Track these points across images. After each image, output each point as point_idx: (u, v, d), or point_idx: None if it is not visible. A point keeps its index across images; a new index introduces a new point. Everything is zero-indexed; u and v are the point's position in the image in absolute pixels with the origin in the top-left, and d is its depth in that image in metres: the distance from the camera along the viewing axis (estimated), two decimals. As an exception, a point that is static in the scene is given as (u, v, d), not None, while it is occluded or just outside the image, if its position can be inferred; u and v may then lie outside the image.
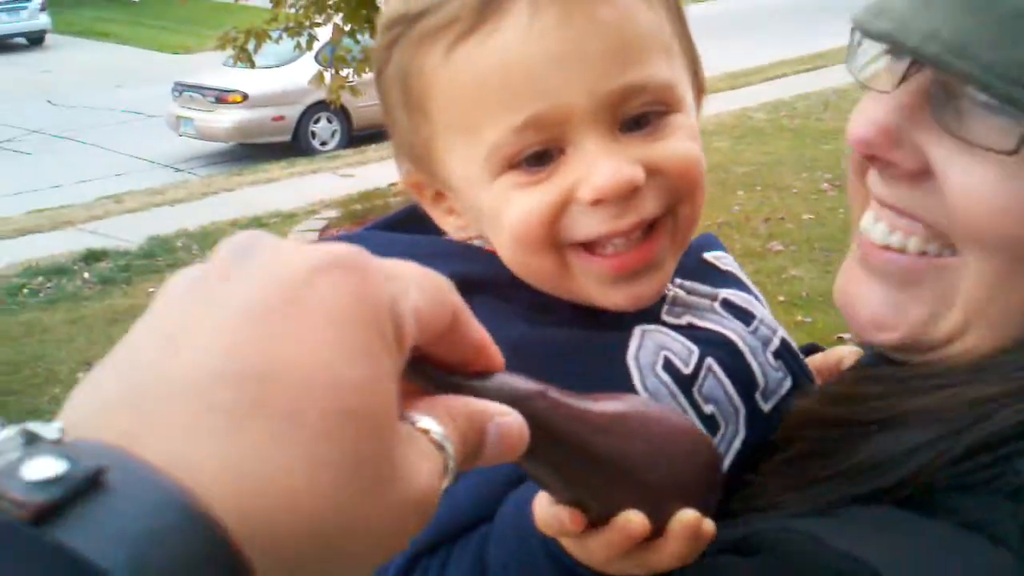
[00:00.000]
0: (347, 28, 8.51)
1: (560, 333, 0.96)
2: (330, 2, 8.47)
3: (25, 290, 8.73)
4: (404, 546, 0.50)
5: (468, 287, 0.78)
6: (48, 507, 0.38)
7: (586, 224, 0.93)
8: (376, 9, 8.03)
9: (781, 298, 7.26)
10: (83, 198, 12.03)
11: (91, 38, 29.67)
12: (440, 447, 0.52)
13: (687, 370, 0.96)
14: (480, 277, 0.96)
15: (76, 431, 0.43)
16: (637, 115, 0.93)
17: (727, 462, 0.95)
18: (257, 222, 9.89)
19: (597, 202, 0.91)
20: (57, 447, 0.41)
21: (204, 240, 9.44)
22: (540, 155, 0.92)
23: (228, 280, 0.48)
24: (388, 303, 0.50)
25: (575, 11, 0.90)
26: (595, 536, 0.74)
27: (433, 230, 1.07)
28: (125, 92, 19.37)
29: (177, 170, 14.08)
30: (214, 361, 0.44)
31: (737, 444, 0.97)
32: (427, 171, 1.02)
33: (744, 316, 1.05)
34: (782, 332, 1.08)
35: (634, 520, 0.72)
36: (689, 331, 1.00)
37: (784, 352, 1.05)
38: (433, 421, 0.53)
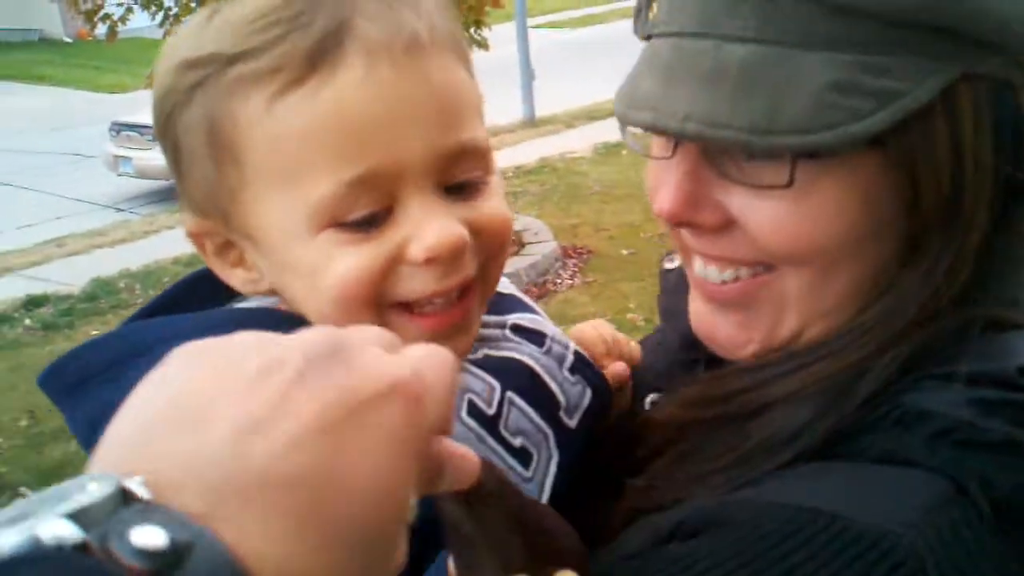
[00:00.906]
0: None
1: None
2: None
3: (-36, 340, 8.59)
4: None
5: None
6: (150, 574, 0.43)
7: (412, 284, 0.93)
8: None
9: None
10: (22, 243, 11.86)
11: (27, 82, 29.27)
12: (412, 508, 0.58)
13: (491, 410, 0.97)
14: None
15: (158, 491, 0.47)
16: (461, 181, 0.94)
17: (548, 485, 0.98)
18: (199, 260, 9.79)
19: (429, 261, 0.91)
20: (156, 514, 0.46)
21: (147, 279, 9.35)
22: (368, 217, 0.91)
23: (305, 381, 0.52)
24: (426, 428, 0.57)
25: (408, 69, 0.89)
26: None
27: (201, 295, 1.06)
28: (62, 134, 19.07)
29: (119, 210, 13.91)
30: (290, 465, 0.49)
31: (553, 467, 1.00)
32: (222, 220, 0.98)
33: (536, 337, 1.08)
34: (573, 346, 1.11)
35: None
36: (486, 363, 1.01)
37: (579, 365, 1.09)
38: None
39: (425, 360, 0.60)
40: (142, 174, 14.43)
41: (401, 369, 0.56)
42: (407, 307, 0.95)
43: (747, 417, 0.94)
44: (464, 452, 0.65)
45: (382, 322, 0.92)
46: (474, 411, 0.96)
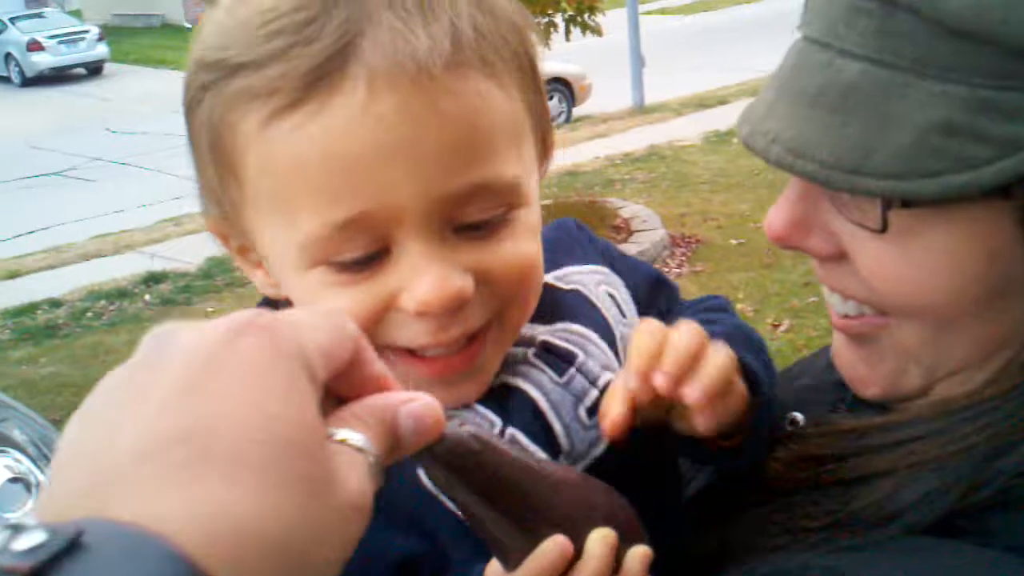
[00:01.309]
0: None
1: None
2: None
3: (89, 313, 8.96)
4: (353, 546, 0.55)
5: None
6: (37, 568, 0.44)
7: (407, 333, 0.85)
8: None
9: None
10: (144, 222, 12.30)
11: (148, 66, 30.27)
12: (361, 451, 0.58)
13: None
14: None
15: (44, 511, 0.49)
16: (473, 222, 0.84)
17: None
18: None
19: (422, 314, 0.83)
20: (39, 526, 0.46)
21: (261, 259, 9.62)
22: (359, 260, 0.83)
23: (153, 365, 0.54)
24: (296, 347, 0.56)
25: (415, 99, 0.77)
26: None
27: None
28: (181, 117, 19.66)
29: (234, 191, 14.32)
30: (159, 428, 0.50)
31: None
32: (235, 226, 0.91)
33: (560, 363, 0.95)
34: (608, 377, 0.95)
35: (558, 541, 0.75)
36: (492, 395, 0.93)
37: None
38: (348, 430, 0.58)
39: (292, 311, 0.61)
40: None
41: (242, 314, 0.57)
42: (408, 350, 0.88)
43: (854, 481, 0.86)
44: (424, 403, 0.64)
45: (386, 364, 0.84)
46: None
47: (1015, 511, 0.77)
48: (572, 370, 0.95)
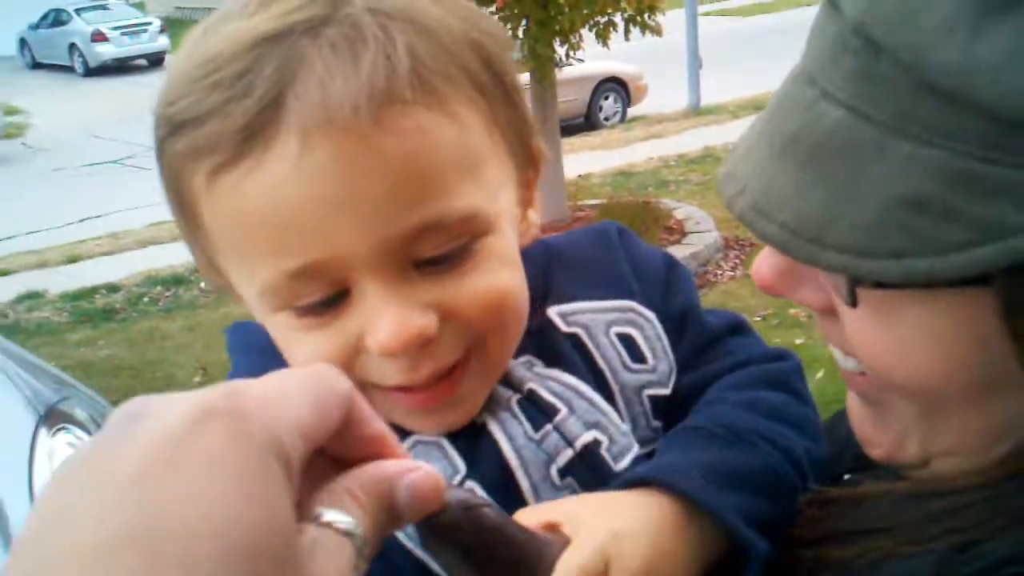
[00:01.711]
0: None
1: None
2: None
3: (145, 299, 9.13)
4: None
5: None
6: None
7: (379, 372, 0.84)
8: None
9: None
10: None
11: (207, 58, 30.64)
12: (349, 534, 0.54)
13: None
14: None
15: None
16: (437, 255, 0.81)
17: None
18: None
19: (387, 355, 0.81)
20: None
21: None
22: (319, 303, 0.81)
23: (113, 450, 0.49)
24: (268, 433, 0.51)
25: (351, 146, 0.75)
26: None
27: None
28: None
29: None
30: (109, 526, 0.46)
31: None
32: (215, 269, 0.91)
33: (539, 417, 0.91)
34: (587, 439, 0.91)
35: None
36: (463, 437, 0.91)
37: (580, 467, 0.90)
38: (337, 512, 0.55)
39: (269, 380, 0.55)
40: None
41: (211, 395, 0.52)
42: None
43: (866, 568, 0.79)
44: (424, 474, 0.60)
45: (369, 397, 0.74)
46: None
47: None
48: (549, 427, 0.91)
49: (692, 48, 15.52)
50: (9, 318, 8.89)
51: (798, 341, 6.64)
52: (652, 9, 8.85)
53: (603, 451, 0.92)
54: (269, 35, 0.76)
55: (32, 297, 9.47)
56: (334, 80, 0.75)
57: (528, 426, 0.90)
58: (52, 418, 3.29)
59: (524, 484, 0.88)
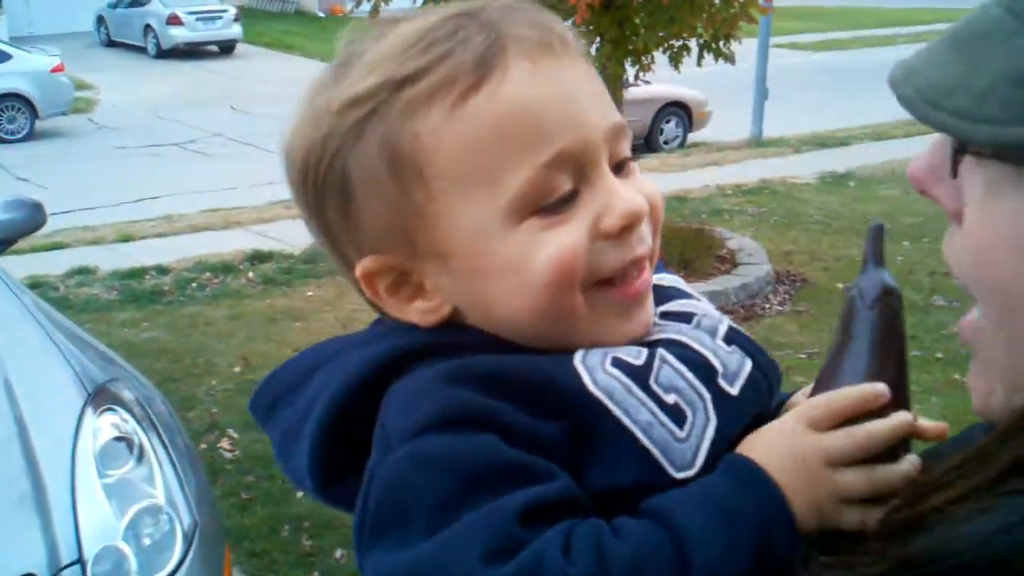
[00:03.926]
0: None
1: (513, 358, 0.95)
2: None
3: (193, 284, 9.20)
4: None
5: (409, 358, 0.95)
6: None
7: (610, 257, 0.96)
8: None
9: (939, 355, 6.96)
10: (255, 201, 12.58)
11: (278, 50, 31.06)
12: None
13: (638, 362, 0.95)
14: (421, 346, 0.96)
15: None
16: (622, 159, 1.00)
17: (703, 449, 0.93)
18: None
19: (625, 229, 0.95)
20: None
21: (363, 250, 9.73)
22: (565, 196, 0.94)
23: None
24: None
25: (565, 61, 0.97)
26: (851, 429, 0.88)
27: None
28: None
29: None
30: None
31: (711, 432, 0.93)
32: (406, 247, 0.99)
33: (683, 318, 1.05)
34: (728, 320, 1.06)
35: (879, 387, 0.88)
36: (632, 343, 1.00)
37: (734, 336, 1.03)
38: None
39: None
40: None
41: None
42: (605, 283, 0.97)
43: (909, 525, 0.79)
44: None
45: (587, 302, 0.96)
46: (619, 363, 0.94)
47: None
48: (697, 318, 1.05)
49: (760, 78, 15.41)
50: (60, 291, 8.99)
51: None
52: (728, 36, 8.78)
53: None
54: (457, 13, 0.97)
55: (83, 272, 9.58)
56: (537, 23, 0.98)
57: (680, 324, 1.04)
58: (100, 397, 3.29)
59: (705, 352, 0.99)
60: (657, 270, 1.11)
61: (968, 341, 0.86)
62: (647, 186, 1.01)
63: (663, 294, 1.08)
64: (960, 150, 0.78)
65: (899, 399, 0.90)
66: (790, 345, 7.00)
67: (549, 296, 0.93)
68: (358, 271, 1.00)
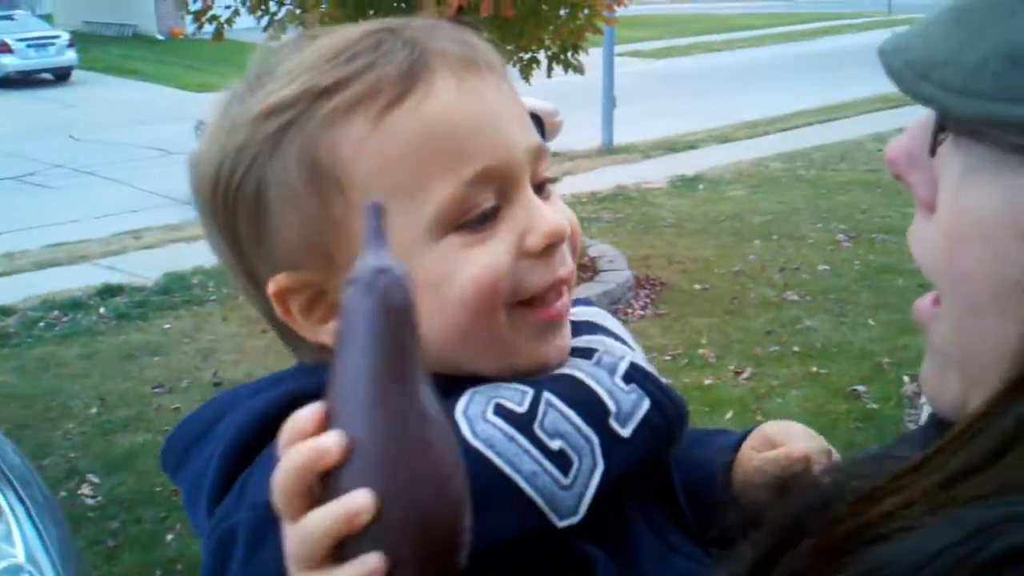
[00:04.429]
0: None
1: None
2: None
3: (41, 324, 8.76)
4: None
5: (304, 401, 0.71)
6: None
7: (533, 277, 0.95)
8: None
9: (796, 348, 7.24)
10: (101, 233, 12.12)
11: (117, 75, 30.04)
12: None
13: (521, 408, 0.91)
14: (317, 389, 0.73)
15: None
16: (543, 180, 0.99)
17: (588, 496, 0.90)
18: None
19: (548, 247, 0.95)
20: None
21: (220, 277, 9.44)
22: (487, 212, 0.93)
23: None
24: None
25: (488, 79, 0.97)
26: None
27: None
28: (148, 129, 19.47)
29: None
30: None
31: (596, 478, 0.91)
32: (323, 264, 0.94)
33: (584, 354, 1.02)
34: (631, 357, 1.03)
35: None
36: (522, 380, 0.96)
37: (635, 374, 1.00)
38: None
39: None
40: (222, 173, 14.70)
41: None
42: (526, 304, 0.96)
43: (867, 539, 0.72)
44: None
45: (508, 322, 0.94)
46: (501, 411, 0.90)
47: None
48: (597, 354, 1.02)
49: (608, 87, 15.72)
50: None
51: (707, 382, 6.71)
52: (576, 47, 8.93)
53: (642, 361, 1.05)
54: (379, 28, 0.97)
55: (-82, 318, 9.04)
56: (460, 40, 0.98)
57: (580, 360, 1.01)
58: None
59: (600, 391, 0.97)
60: (587, 304, 1.14)
61: (924, 325, 0.83)
62: (566, 210, 1.01)
63: (573, 328, 1.05)
64: (941, 127, 0.76)
65: (405, 395, 0.69)
66: (654, 348, 7.14)
67: (471, 314, 0.92)
68: (271, 288, 0.95)
